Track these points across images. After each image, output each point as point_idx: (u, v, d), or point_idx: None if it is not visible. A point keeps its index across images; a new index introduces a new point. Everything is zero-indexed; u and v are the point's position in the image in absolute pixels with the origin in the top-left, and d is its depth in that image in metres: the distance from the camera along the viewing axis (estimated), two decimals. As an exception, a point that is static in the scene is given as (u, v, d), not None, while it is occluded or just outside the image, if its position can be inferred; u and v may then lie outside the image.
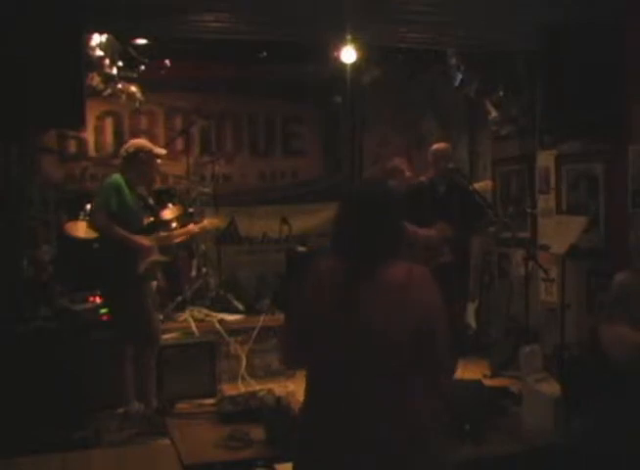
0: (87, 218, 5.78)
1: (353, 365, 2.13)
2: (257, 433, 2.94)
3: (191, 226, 5.34)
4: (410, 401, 2.16)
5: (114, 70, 5.84)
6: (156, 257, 4.79)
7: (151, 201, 5.16)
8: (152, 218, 5.09)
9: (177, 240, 5.21)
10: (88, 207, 5.84)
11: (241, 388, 5.35)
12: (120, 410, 4.70)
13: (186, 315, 5.78)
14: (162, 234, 4.95)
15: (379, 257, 2.21)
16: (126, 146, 4.95)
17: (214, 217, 6.05)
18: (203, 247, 6.30)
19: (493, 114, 6.27)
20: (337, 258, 2.23)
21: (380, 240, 2.22)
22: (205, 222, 5.50)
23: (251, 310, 6.10)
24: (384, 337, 2.12)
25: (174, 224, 5.70)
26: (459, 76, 6.35)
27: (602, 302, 4.38)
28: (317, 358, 2.18)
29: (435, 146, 5.86)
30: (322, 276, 2.21)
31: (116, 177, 4.73)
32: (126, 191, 4.71)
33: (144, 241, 4.72)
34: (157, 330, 4.85)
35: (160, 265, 5.11)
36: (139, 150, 4.82)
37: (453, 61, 6.34)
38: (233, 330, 5.80)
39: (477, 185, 6.03)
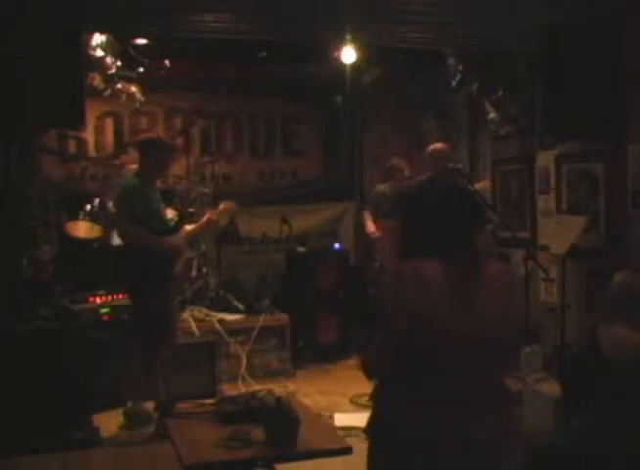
0: (88, 219, 5.81)
1: (467, 365, 2.11)
2: (257, 433, 2.92)
3: (209, 215, 5.07)
4: (500, 400, 2.20)
5: (114, 70, 5.85)
6: (188, 253, 4.74)
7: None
8: (176, 213, 5.06)
9: (201, 231, 5.10)
10: (88, 207, 5.85)
11: (241, 388, 5.36)
12: (128, 407, 4.70)
13: (186, 315, 5.78)
14: (188, 228, 4.85)
15: (485, 256, 2.19)
16: (140, 139, 4.91)
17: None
18: (203, 247, 6.30)
19: (492, 114, 6.27)
20: (433, 262, 2.12)
21: (478, 240, 2.20)
22: (221, 206, 5.28)
23: (251, 310, 6.10)
24: (496, 336, 2.13)
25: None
26: (457, 76, 6.36)
27: (601, 301, 4.38)
28: (427, 363, 2.12)
29: (432, 146, 5.85)
30: (428, 283, 2.09)
31: (133, 180, 4.67)
32: (147, 192, 4.64)
33: (177, 241, 4.67)
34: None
35: None
36: (155, 143, 4.77)
37: (451, 61, 6.34)
38: (233, 330, 5.81)
39: (476, 185, 6.03)
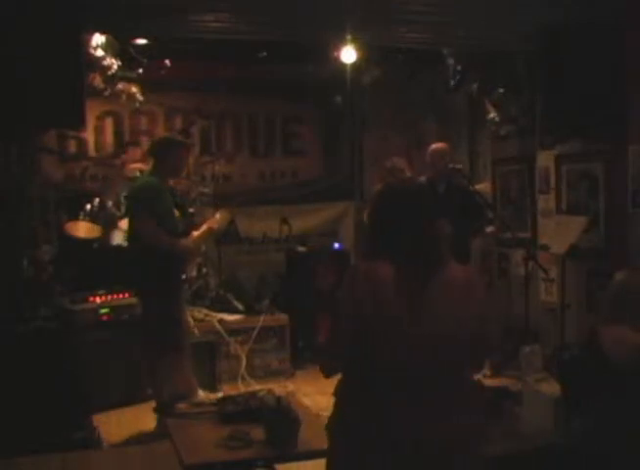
0: (88, 219, 5.80)
1: (419, 365, 2.11)
2: (257, 433, 2.93)
3: (208, 223, 5.07)
4: (464, 400, 2.19)
5: (114, 70, 5.84)
6: (198, 259, 4.73)
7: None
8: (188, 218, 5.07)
9: (203, 239, 5.10)
10: (88, 207, 5.85)
11: (241, 388, 5.36)
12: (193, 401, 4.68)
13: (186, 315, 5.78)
14: (195, 233, 4.84)
15: (439, 257, 2.18)
16: (160, 138, 4.89)
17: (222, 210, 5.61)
18: (203, 247, 6.29)
19: (492, 114, 6.27)
20: (387, 263, 2.12)
21: (439, 240, 2.20)
22: (217, 216, 5.29)
23: (251, 310, 6.10)
24: (452, 337, 2.12)
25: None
26: (457, 76, 6.36)
27: (601, 301, 4.38)
28: (378, 363, 2.12)
29: (433, 146, 5.85)
30: (379, 284, 2.10)
31: (151, 179, 4.65)
32: (164, 191, 4.62)
33: (190, 244, 4.68)
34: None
35: None
36: (176, 142, 4.76)
37: (451, 61, 6.34)
38: (233, 330, 5.81)
39: (477, 186, 6.03)
